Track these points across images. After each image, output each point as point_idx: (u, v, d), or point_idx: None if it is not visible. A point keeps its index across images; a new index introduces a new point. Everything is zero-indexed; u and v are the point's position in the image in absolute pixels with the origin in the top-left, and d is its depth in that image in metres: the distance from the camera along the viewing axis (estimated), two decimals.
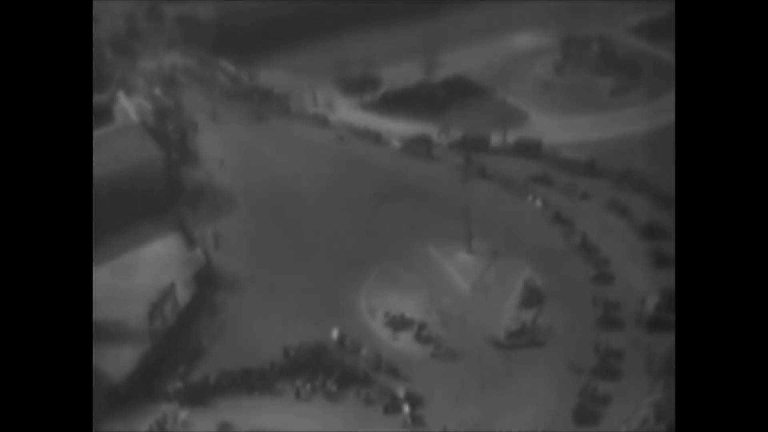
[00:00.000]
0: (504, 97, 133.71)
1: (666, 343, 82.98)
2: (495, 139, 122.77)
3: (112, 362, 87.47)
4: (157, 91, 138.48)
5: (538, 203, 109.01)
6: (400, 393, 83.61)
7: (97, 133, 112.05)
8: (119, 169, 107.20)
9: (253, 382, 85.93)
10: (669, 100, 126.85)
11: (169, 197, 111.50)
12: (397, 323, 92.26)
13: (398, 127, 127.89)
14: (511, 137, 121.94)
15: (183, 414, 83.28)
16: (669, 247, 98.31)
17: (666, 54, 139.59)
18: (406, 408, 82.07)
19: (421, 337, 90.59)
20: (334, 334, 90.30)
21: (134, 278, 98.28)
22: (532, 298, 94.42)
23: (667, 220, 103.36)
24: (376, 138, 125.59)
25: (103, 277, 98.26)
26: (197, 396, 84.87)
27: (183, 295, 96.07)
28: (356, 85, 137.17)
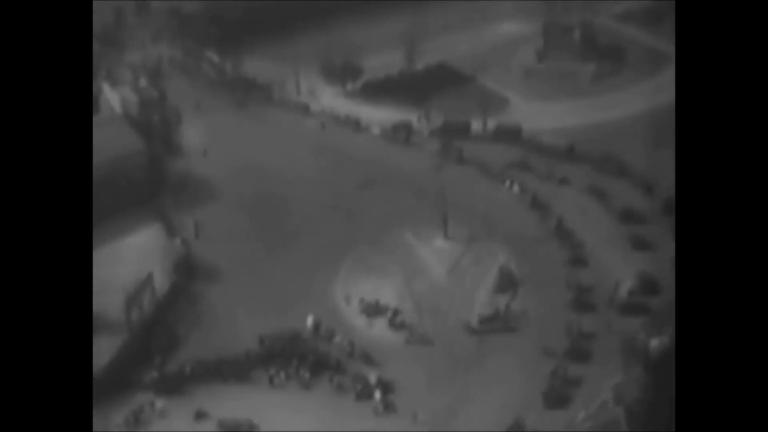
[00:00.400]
0: (485, 84, 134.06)
1: (636, 327, 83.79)
2: (475, 125, 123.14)
3: None
4: (143, 83, 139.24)
5: (516, 189, 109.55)
6: (372, 379, 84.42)
7: None
8: (100, 161, 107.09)
9: (227, 370, 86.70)
10: (650, 85, 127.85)
11: (152, 188, 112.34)
12: (372, 310, 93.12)
13: (380, 115, 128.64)
14: (492, 123, 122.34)
15: (159, 403, 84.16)
16: (645, 232, 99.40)
17: (648, 39, 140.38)
18: (378, 394, 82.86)
19: (395, 324, 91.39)
20: (309, 321, 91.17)
21: (114, 269, 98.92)
22: (506, 283, 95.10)
23: (645, 204, 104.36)
24: (356, 125, 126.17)
25: None
26: (173, 385, 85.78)
27: (162, 285, 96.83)
28: (339, 74, 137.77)
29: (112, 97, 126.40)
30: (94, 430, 79.88)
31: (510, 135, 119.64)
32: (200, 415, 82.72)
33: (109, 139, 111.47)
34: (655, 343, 76.64)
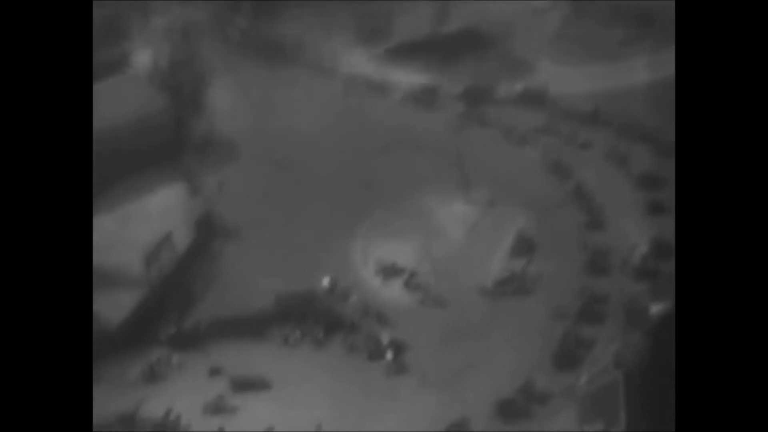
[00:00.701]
0: (514, 48, 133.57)
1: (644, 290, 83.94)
2: (502, 89, 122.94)
3: (109, 308, 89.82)
4: (171, 44, 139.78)
5: (538, 152, 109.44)
6: (384, 339, 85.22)
7: (103, 84, 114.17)
8: (123, 120, 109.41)
9: (243, 328, 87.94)
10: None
11: (176, 147, 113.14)
12: (388, 271, 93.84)
13: (408, 78, 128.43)
14: (518, 87, 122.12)
15: (176, 358, 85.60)
16: (665, 197, 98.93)
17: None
18: (389, 354, 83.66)
19: (411, 285, 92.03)
20: (325, 281, 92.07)
21: (137, 226, 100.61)
22: (523, 246, 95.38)
23: (666, 169, 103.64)
24: (381, 88, 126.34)
25: (106, 225, 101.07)
26: (189, 341, 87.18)
27: (182, 243, 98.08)
28: (368, 37, 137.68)
29: (139, 58, 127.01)
30: (111, 382, 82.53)
31: (535, 99, 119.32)
32: (214, 371, 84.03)
33: (134, 97, 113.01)
34: (656, 308, 76.58)
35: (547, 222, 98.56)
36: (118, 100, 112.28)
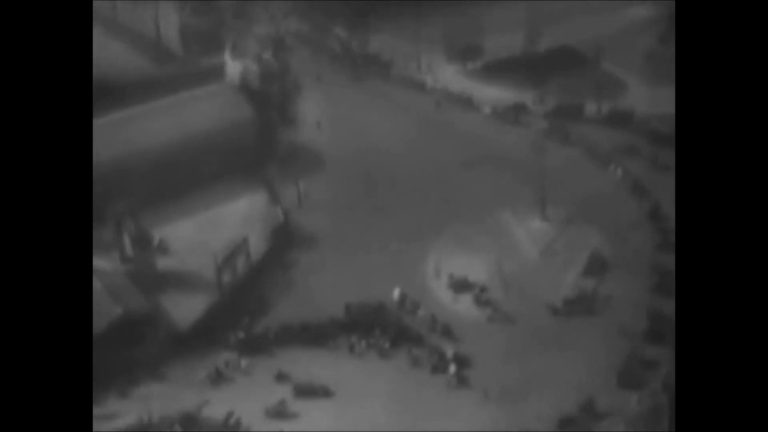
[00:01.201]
0: (606, 68, 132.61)
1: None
2: (590, 108, 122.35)
3: (180, 310, 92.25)
4: (266, 55, 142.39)
5: (619, 172, 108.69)
6: (449, 353, 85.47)
7: (193, 92, 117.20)
8: (210, 128, 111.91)
9: (310, 335, 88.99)
10: None
11: (262, 156, 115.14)
12: (459, 285, 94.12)
13: (498, 95, 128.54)
14: (606, 107, 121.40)
15: (243, 362, 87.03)
16: None
17: None
18: (452, 368, 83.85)
19: (481, 301, 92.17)
20: (396, 293, 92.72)
21: (215, 232, 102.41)
22: (596, 266, 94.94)
23: None
24: (468, 104, 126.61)
25: (187, 230, 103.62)
26: (257, 346, 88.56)
27: (259, 250, 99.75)
28: (461, 53, 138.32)
29: (232, 68, 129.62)
30: (176, 382, 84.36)
31: (621, 119, 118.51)
32: (281, 377, 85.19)
33: (222, 107, 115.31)
34: None
35: (621, 242, 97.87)
36: (207, 108, 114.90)
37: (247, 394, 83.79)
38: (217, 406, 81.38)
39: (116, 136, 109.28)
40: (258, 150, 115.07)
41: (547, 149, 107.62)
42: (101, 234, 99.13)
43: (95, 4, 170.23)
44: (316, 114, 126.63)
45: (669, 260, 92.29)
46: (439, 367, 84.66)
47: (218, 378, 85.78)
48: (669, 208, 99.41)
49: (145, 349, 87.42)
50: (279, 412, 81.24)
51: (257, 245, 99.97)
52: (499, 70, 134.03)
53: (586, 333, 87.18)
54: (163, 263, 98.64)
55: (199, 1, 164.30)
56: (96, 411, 73.00)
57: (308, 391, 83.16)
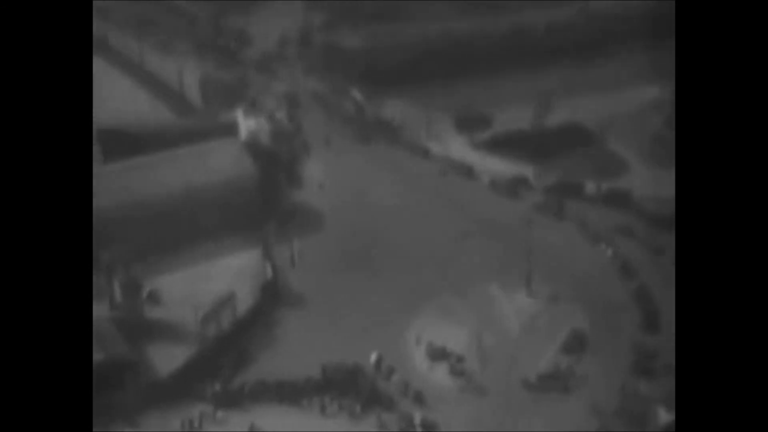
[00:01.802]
0: (610, 147, 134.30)
1: None
2: (589, 186, 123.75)
3: (162, 359, 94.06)
4: (280, 114, 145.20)
5: (609, 252, 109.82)
6: (417, 419, 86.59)
7: (200, 146, 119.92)
8: (212, 182, 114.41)
9: (285, 393, 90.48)
10: None
11: (262, 214, 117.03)
12: (437, 354, 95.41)
13: (502, 167, 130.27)
14: (604, 186, 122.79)
15: (218, 414, 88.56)
16: None
17: None
18: None
19: (456, 370, 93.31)
20: (373, 357, 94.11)
21: (207, 285, 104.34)
22: (575, 344, 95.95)
23: None
24: (471, 174, 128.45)
25: (176, 283, 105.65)
26: (232, 400, 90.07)
27: (246, 305, 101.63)
28: (470, 123, 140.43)
29: (241, 124, 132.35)
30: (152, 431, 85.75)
31: (619, 199, 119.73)
32: (252, 428, 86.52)
33: (226, 162, 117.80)
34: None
35: (604, 322, 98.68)
36: (212, 162, 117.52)
37: None
38: None
39: (120, 183, 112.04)
40: (259, 207, 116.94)
41: (534, 223, 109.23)
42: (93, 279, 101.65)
43: (123, 51, 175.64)
44: (321, 175, 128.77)
45: (649, 341, 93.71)
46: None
47: (190, 429, 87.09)
48: (655, 290, 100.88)
49: (124, 396, 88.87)
50: None
51: (245, 301, 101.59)
52: (505, 143, 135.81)
53: (556, 409, 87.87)
54: (151, 312, 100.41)
55: (223, 54, 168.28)
56: None
57: None
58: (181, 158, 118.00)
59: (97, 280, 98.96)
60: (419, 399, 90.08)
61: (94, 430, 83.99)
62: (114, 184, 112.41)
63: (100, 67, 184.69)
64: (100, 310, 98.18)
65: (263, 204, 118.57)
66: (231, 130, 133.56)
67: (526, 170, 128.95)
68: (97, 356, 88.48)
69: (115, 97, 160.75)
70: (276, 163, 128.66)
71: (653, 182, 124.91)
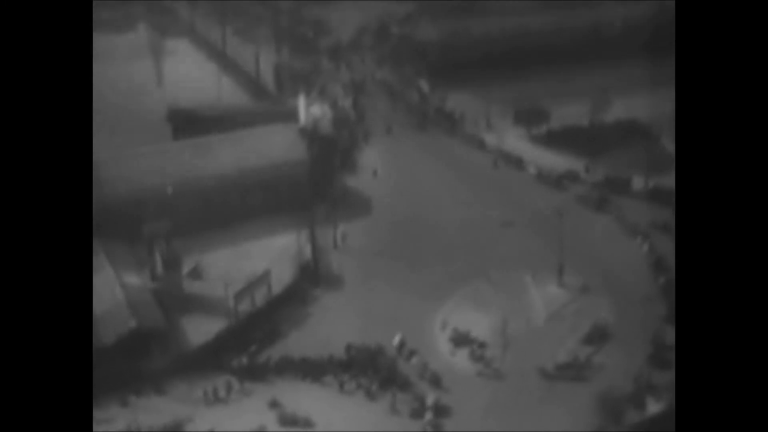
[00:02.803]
0: (665, 144, 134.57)
1: None
2: (637, 182, 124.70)
3: (196, 331, 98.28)
4: (345, 101, 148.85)
5: (645, 247, 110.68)
6: (429, 401, 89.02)
7: (255, 130, 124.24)
8: (264, 165, 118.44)
9: (307, 369, 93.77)
10: None
11: (311, 197, 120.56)
12: (460, 339, 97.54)
13: (554, 161, 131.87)
14: (651, 182, 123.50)
15: (240, 386, 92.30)
16: None
17: None
18: (428, 415, 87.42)
19: (476, 356, 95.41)
20: (396, 339, 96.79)
21: (248, 263, 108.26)
22: (596, 335, 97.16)
23: None
24: (518, 164, 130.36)
25: (222, 259, 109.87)
26: (257, 373, 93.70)
27: (282, 283, 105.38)
28: (528, 117, 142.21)
29: (302, 110, 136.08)
30: (175, 398, 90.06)
31: (663, 196, 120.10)
32: (273, 404, 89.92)
33: (277, 145, 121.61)
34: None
35: (629, 314, 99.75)
36: (266, 145, 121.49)
37: (235, 416, 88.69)
38: (199, 424, 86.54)
39: (177, 160, 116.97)
40: (307, 191, 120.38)
41: (574, 215, 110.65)
42: (137, 251, 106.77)
43: (210, 39, 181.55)
44: (376, 162, 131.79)
45: (669, 333, 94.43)
46: (418, 412, 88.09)
47: (214, 398, 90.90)
48: None
49: (151, 363, 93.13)
50: None
51: (282, 280, 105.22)
52: (561, 137, 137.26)
53: (571, 398, 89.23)
54: (191, 286, 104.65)
55: (300, 42, 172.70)
56: (95, 414, 78.38)
57: (291, 421, 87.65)
58: (237, 140, 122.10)
59: (140, 252, 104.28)
60: (435, 381, 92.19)
61: (125, 395, 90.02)
62: (172, 162, 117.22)
63: (187, 51, 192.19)
64: (141, 280, 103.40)
65: (313, 187, 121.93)
66: (294, 115, 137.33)
67: (578, 164, 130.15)
68: (130, 323, 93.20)
69: (201, 79, 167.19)
70: (333, 148, 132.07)
71: None
